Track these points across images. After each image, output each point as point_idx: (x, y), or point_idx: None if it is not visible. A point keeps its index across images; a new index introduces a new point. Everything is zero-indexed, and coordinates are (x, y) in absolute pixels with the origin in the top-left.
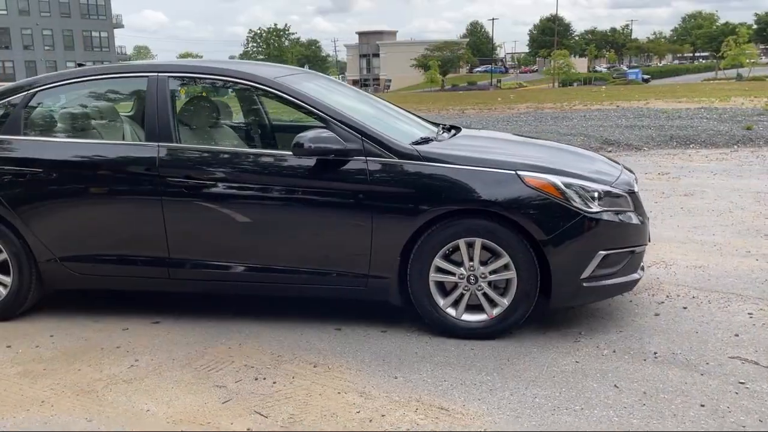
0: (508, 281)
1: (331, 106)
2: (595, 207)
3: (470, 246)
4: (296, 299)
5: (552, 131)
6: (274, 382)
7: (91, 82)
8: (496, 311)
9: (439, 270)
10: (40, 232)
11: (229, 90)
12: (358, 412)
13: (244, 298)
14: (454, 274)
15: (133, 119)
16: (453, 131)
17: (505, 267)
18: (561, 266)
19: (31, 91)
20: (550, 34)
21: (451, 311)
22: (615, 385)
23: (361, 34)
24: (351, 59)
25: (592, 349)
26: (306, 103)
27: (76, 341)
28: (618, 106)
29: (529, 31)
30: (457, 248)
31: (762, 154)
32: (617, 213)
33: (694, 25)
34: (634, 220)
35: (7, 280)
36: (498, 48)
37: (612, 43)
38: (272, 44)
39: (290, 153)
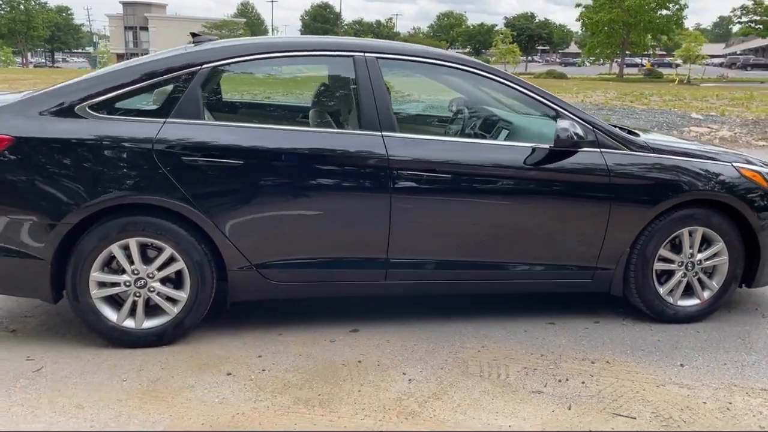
0: (715, 266)
1: (559, 98)
2: None
3: (690, 234)
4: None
5: None
6: (583, 382)
7: (280, 58)
8: (706, 294)
9: (660, 259)
10: (236, 236)
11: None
12: (704, 403)
13: (415, 297)
14: (674, 262)
15: None
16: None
17: (717, 253)
18: (767, 249)
19: (206, 67)
20: (321, 21)
21: (669, 298)
22: None
23: (126, 4)
24: (114, 31)
25: None
26: (536, 94)
27: (299, 359)
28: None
29: (301, 16)
30: (674, 237)
31: None
32: None
33: (448, 23)
34: None
35: (181, 295)
36: (276, 31)
37: (378, 35)
38: (17, 7)
39: (530, 145)
